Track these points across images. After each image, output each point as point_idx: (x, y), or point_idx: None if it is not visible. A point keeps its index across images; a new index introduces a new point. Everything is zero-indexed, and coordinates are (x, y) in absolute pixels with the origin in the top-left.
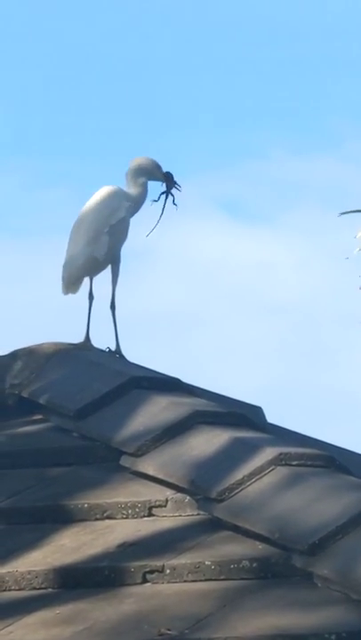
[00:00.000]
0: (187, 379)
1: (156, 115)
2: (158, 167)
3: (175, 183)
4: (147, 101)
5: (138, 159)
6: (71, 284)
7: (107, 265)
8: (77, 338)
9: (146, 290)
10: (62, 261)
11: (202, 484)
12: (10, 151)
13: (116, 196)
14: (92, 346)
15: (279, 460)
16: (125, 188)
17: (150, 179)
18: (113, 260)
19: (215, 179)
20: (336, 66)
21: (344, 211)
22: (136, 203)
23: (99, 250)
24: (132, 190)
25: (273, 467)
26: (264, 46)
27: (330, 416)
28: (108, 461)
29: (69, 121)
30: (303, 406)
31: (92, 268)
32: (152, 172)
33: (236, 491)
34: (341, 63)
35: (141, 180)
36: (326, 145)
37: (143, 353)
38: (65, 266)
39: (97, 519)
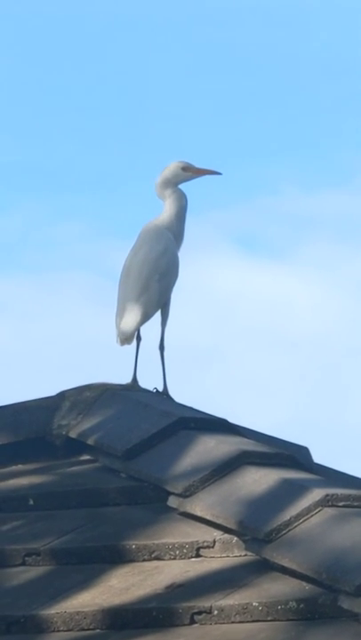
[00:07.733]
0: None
1: (169, 151)
2: (183, 170)
3: (212, 172)
4: (160, 137)
5: (163, 172)
6: (128, 339)
7: (159, 308)
8: (124, 379)
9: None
10: (114, 310)
11: (250, 524)
12: (20, 187)
13: (162, 238)
14: (139, 386)
15: (326, 502)
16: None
17: (182, 182)
18: (164, 302)
19: (229, 214)
20: (346, 102)
21: None
22: (180, 233)
23: (151, 299)
24: (173, 219)
25: (320, 508)
26: (275, 84)
27: (350, 451)
28: (155, 502)
29: (80, 155)
30: (323, 440)
31: (147, 318)
32: (178, 177)
33: (284, 532)
34: (351, 99)
35: (177, 195)
36: (337, 180)
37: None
38: (119, 321)
39: (145, 560)
